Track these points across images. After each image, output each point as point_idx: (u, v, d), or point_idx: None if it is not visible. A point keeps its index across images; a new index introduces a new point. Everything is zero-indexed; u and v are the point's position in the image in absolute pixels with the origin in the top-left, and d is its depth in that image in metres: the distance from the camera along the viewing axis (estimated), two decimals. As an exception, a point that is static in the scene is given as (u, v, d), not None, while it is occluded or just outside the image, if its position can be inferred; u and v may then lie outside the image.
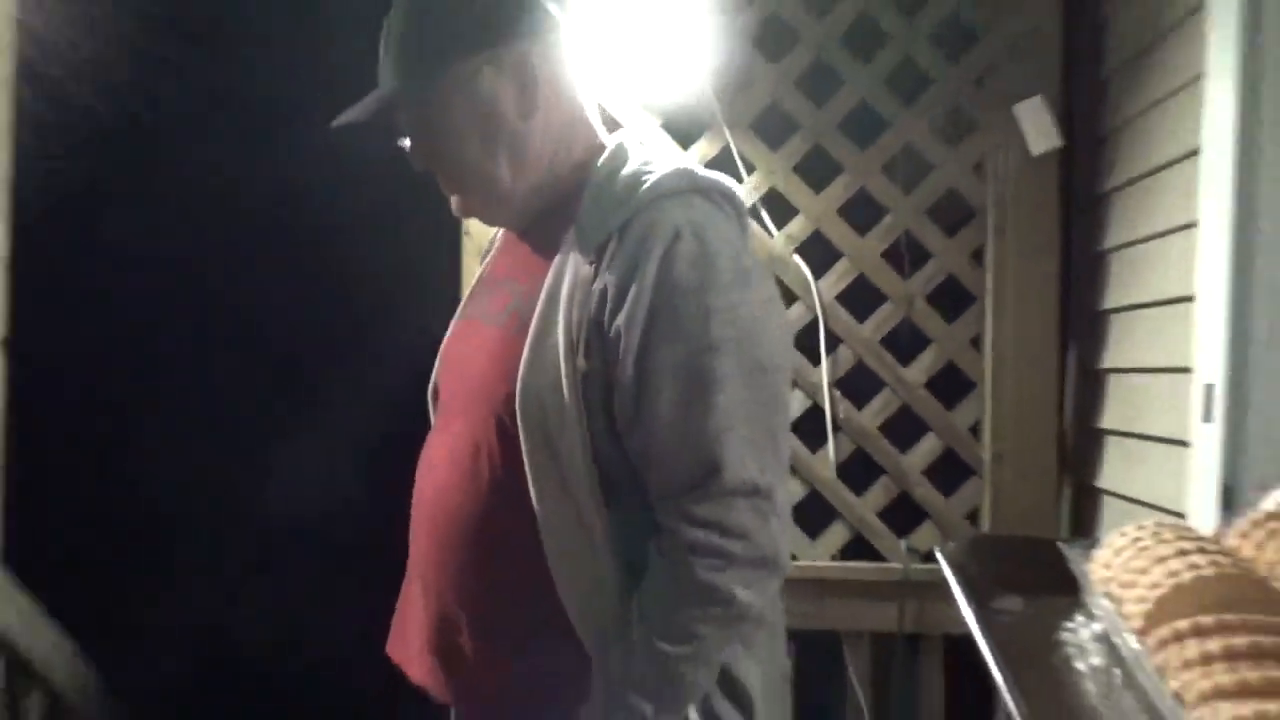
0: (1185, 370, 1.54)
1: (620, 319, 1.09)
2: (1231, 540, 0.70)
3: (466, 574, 1.19)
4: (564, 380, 1.10)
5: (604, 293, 1.10)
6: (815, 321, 2.20)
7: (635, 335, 1.08)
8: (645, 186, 1.14)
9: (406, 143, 1.24)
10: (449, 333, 1.34)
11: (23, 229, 2.16)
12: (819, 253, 2.24)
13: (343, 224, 2.67)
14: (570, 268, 1.14)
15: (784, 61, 2.23)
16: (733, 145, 2.22)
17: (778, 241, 2.23)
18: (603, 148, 1.23)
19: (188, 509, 2.87)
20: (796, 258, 2.22)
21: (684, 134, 2.25)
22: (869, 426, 2.21)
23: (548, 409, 1.10)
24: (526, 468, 1.12)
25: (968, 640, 2.10)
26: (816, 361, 2.21)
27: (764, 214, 2.24)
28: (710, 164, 2.23)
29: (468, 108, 1.17)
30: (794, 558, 2.20)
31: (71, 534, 2.73)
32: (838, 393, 2.21)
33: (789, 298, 2.22)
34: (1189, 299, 1.53)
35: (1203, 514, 1.46)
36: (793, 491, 2.22)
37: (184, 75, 2.62)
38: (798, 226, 2.23)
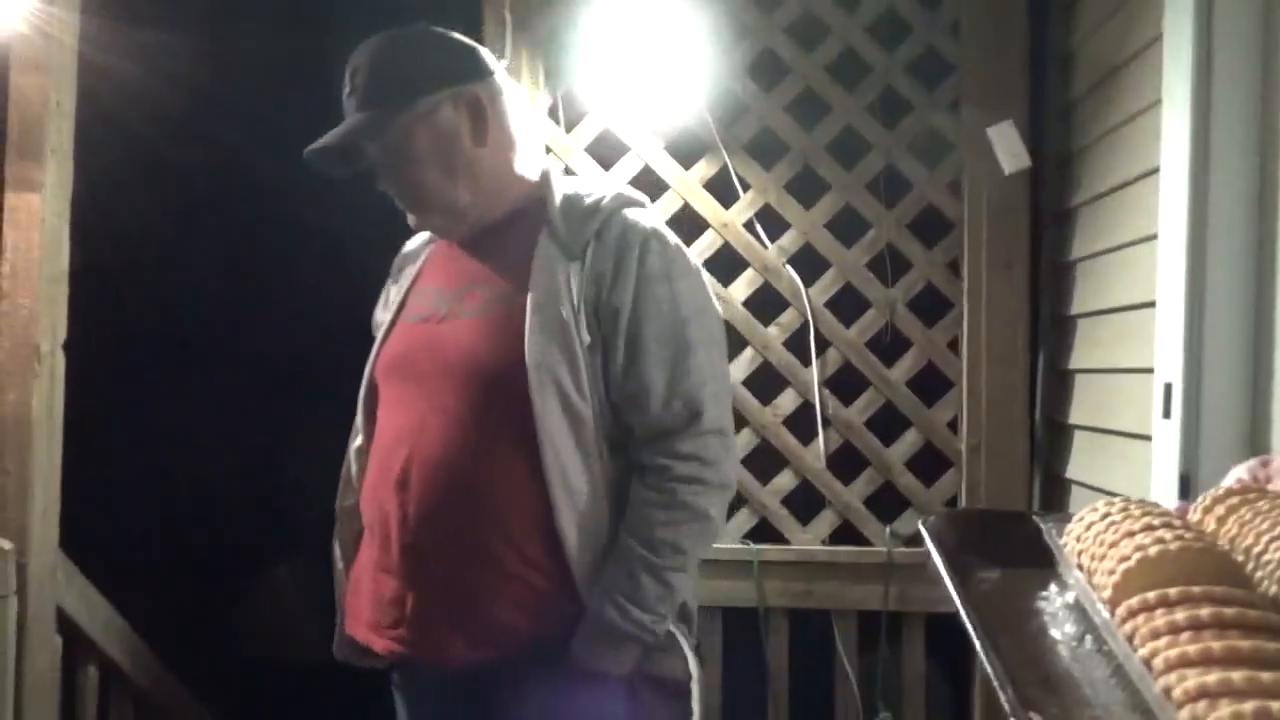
0: (1147, 371, 1.55)
1: (614, 300, 1.24)
2: (1195, 515, 0.70)
3: (476, 529, 1.22)
4: (578, 351, 1.21)
5: (598, 279, 1.24)
6: (806, 326, 2.21)
7: (625, 314, 1.23)
8: (606, 200, 1.30)
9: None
10: (394, 334, 1.37)
11: (80, 242, 2.17)
12: (809, 263, 2.25)
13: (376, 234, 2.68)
14: (557, 265, 1.25)
15: (776, 90, 2.25)
16: (730, 165, 2.23)
17: (771, 253, 2.23)
18: (542, 173, 1.36)
19: (226, 499, 2.88)
20: (788, 268, 2.23)
21: (685, 155, 2.26)
22: (855, 421, 2.22)
23: (561, 375, 1.20)
24: (539, 425, 1.20)
25: (947, 618, 2.11)
26: (807, 363, 2.21)
27: (759, 228, 2.24)
28: (709, 183, 2.24)
29: (430, 137, 1.27)
30: (787, 542, 2.22)
31: (123, 521, 2.74)
32: (827, 391, 2.22)
33: (781, 304, 2.24)
34: (1150, 305, 1.54)
35: (1164, 502, 1.46)
36: (785, 482, 2.23)
37: (228, 102, 2.64)
38: (789, 239, 2.24)
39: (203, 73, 2.52)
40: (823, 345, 2.22)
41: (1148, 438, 1.54)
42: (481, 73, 1.32)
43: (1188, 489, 1.40)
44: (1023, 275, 2.15)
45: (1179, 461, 1.43)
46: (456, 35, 1.37)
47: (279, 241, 2.87)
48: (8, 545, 1.82)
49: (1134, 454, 1.63)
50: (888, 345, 2.23)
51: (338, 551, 1.43)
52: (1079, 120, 2.03)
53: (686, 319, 1.26)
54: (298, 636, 2.69)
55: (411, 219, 1.35)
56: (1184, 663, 0.51)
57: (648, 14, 2.11)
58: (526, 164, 1.35)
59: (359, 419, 1.41)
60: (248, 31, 2.68)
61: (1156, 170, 1.54)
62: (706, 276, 1.44)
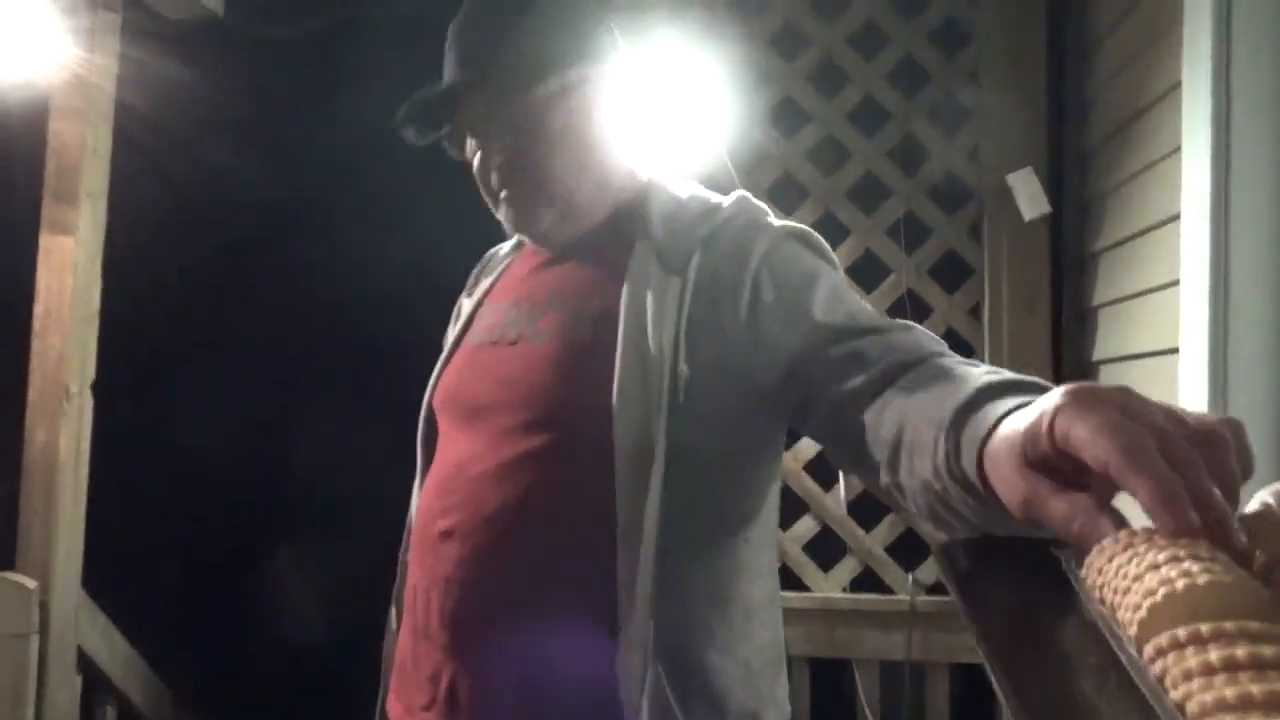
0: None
1: (744, 311, 0.99)
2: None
3: (529, 596, 1.02)
4: (665, 388, 0.98)
5: (706, 295, 1.01)
6: (826, 371, 2.22)
7: (775, 308, 0.98)
8: (721, 209, 1.08)
9: (455, 151, 1.11)
10: (456, 357, 1.17)
11: (112, 283, 2.21)
12: (829, 308, 2.25)
13: (404, 273, 2.72)
14: (652, 281, 1.02)
15: (796, 137, 2.28)
16: (750, 211, 2.26)
17: (792, 298, 2.25)
18: (645, 180, 1.16)
19: (249, 536, 2.90)
20: (809, 312, 2.24)
21: (706, 201, 2.29)
22: (876, 467, 2.21)
23: (651, 418, 0.97)
24: (618, 478, 0.97)
25: (971, 669, 2.08)
26: (828, 407, 2.21)
27: (779, 273, 2.26)
28: (730, 228, 2.27)
29: (567, 117, 1.07)
30: (807, 589, 2.20)
31: (144, 560, 2.76)
32: (847, 436, 2.21)
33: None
34: (1174, 351, 1.54)
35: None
36: (806, 528, 2.22)
37: (257, 142, 2.70)
38: (810, 284, 2.26)
39: (237, 114, 2.59)
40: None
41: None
42: (615, 54, 1.12)
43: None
44: (1045, 320, 2.15)
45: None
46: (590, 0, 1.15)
47: (307, 280, 2.91)
48: (31, 584, 1.84)
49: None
50: (909, 390, 2.22)
51: (393, 613, 1.20)
52: (1098, 167, 2.05)
53: (846, 293, 1.02)
54: (319, 679, 2.68)
55: (514, 216, 1.11)
56: (1221, 707, 0.48)
57: (670, 61, 2.15)
58: (638, 163, 1.16)
59: (419, 458, 1.21)
60: (283, 76, 2.75)
61: (1177, 217, 1.54)
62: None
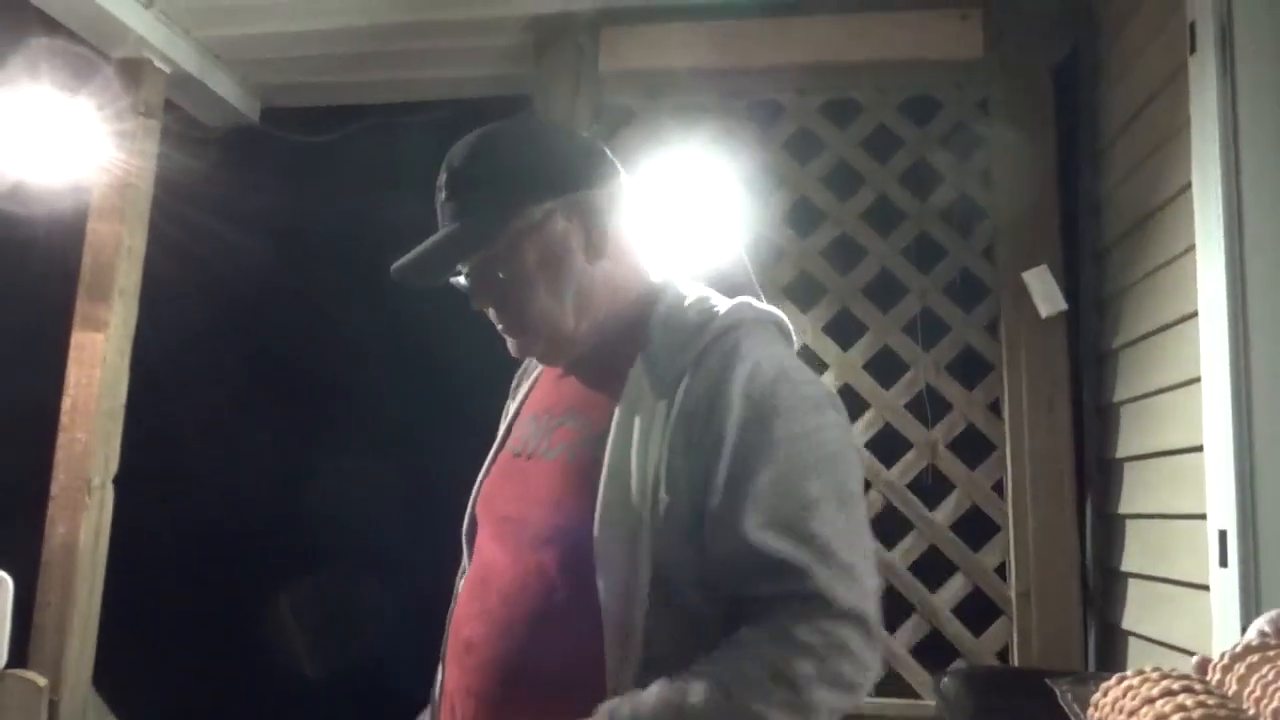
0: (1200, 517, 1.51)
1: (708, 445, 0.99)
2: (1215, 675, 0.66)
3: (547, 715, 1.00)
4: (646, 518, 0.99)
5: (685, 422, 1.01)
6: (846, 467, 2.20)
7: (724, 462, 0.98)
8: (715, 320, 1.07)
9: (461, 280, 1.13)
10: (495, 465, 1.20)
11: (138, 379, 2.25)
12: (848, 404, 2.21)
13: (433, 386, 2.73)
14: (642, 403, 1.03)
15: (812, 236, 2.32)
16: (768, 307, 2.28)
17: (810, 393, 2.25)
18: (657, 285, 1.17)
19: (266, 633, 2.85)
20: (827, 408, 2.24)
21: (724, 298, 2.31)
22: (898, 565, 2.17)
23: (632, 547, 0.99)
24: (603, 607, 0.98)
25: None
26: (848, 504, 2.19)
27: (797, 369, 2.27)
28: (748, 324, 2.29)
29: (538, 251, 1.09)
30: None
31: (155, 657, 2.72)
32: (869, 533, 2.18)
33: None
34: (1198, 449, 1.52)
35: (1226, 653, 1.40)
36: (828, 628, 2.16)
37: (288, 241, 2.77)
38: (827, 380, 2.26)
39: (268, 214, 2.66)
40: (863, 487, 2.20)
41: (1206, 587, 1.49)
42: (601, 179, 1.13)
43: (1252, 642, 1.35)
44: (1065, 416, 2.13)
45: (1241, 613, 1.37)
46: (570, 131, 1.21)
47: (335, 379, 2.94)
48: (42, 681, 1.82)
49: (1193, 604, 1.57)
50: (929, 487, 2.20)
51: (428, 711, 1.20)
52: (1113, 265, 2.06)
53: (806, 468, 0.99)
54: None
55: (511, 344, 1.16)
56: None
57: (690, 166, 2.21)
58: (641, 276, 1.17)
59: (464, 557, 1.23)
60: (315, 178, 2.83)
61: (1195, 314, 1.55)
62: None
